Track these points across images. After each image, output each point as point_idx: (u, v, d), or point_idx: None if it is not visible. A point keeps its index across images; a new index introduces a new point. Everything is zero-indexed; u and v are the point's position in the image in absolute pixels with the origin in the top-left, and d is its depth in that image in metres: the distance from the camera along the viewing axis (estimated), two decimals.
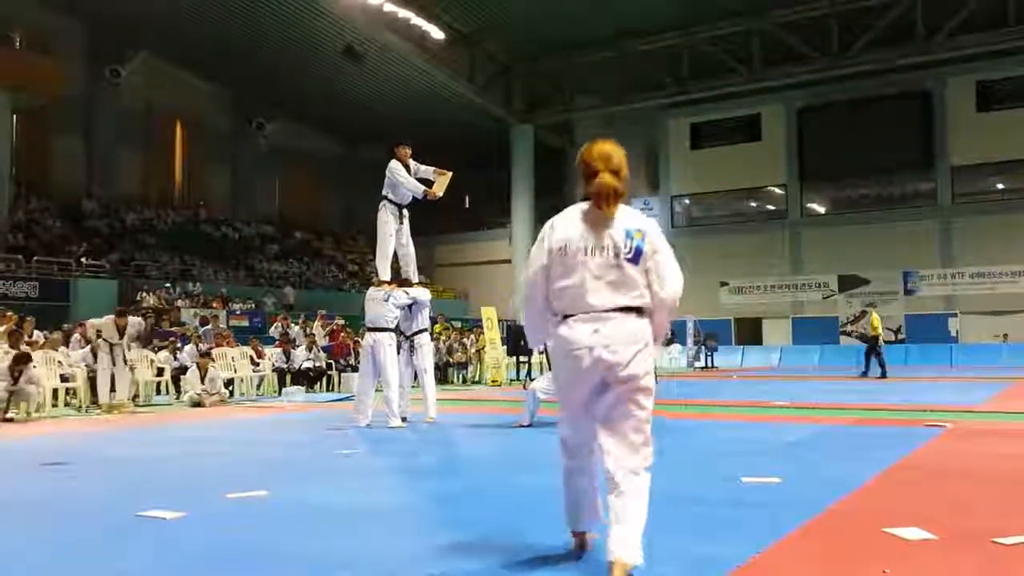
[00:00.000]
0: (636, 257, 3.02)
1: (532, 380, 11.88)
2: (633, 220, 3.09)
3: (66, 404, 12.68)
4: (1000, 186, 28.92)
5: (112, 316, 12.23)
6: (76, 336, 13.89)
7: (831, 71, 26.42)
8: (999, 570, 3.16)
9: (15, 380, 10.73)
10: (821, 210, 31.77)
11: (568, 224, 3.12)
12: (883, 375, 17.29)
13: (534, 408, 8.57)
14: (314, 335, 17.49)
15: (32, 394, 11.03)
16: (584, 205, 3.13)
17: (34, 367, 11.29)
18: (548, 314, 3.18)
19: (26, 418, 10.70)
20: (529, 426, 8.49)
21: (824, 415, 9.54)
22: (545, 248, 3.13)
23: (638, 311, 3.04)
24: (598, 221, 3.07)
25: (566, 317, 3.08)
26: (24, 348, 12.61)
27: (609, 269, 3.02)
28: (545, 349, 3.54)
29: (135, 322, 12.47)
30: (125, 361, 12.02)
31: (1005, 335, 26.82)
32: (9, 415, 10.76)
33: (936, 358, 25.19)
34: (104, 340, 11.92)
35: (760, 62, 26.72)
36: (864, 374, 17.85)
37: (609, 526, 2.95)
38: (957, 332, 27.86)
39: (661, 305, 3.07)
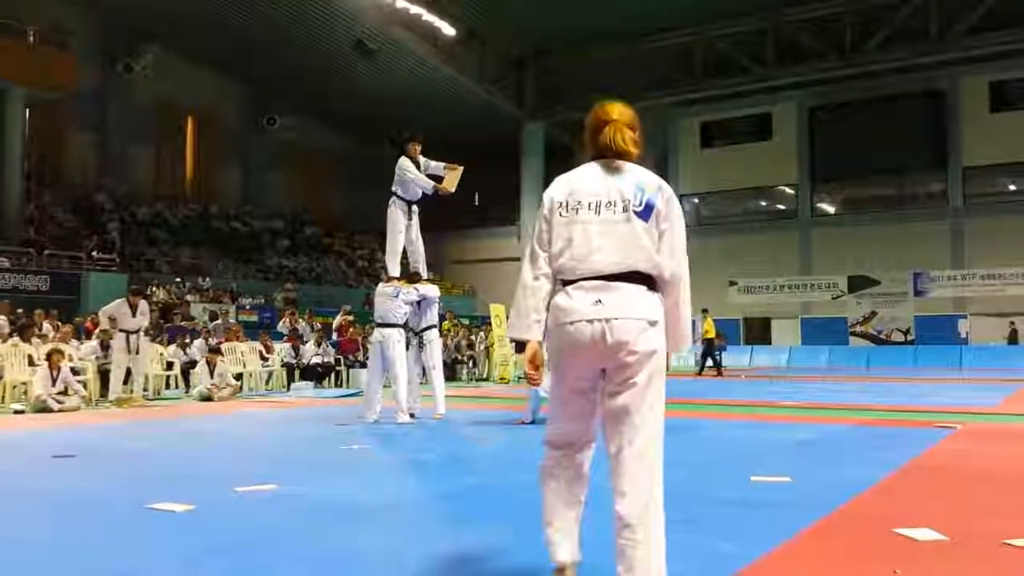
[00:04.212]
0: (647, 212, 2.67)
1: None
2: (646, 176, 2.75)
3: None
4: (1012, 187, 28.76)
5: (123, 299, 12.30)
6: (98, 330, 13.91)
7: (843, 70, 26.30)
8: (1010, 572, 3.15)
9: (53, 379, 10.80)
10: (831, 210, 31.66)
11: (573, 179, 2.80)
12: (714, 372, 19.96)
13: (536, 406, 8.57)
14: (322, 331, 17.52)
15: (79, 391, 11.25)
16: (590, 163, 2.83)
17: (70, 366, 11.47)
18: (544, 288, 2.75)
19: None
20: (532, 423, 8.50)
21: (833, 415, 9.51)
22: (549, 202, 2.78)
23: (649, 283, 2.67)
24: (607, 175, 2.75)
25: (565, 284, 2.70)
26: (35, 341, 12.70)
27: (616, 225, 2.67)
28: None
29: (145, 307, 12.53)
30: (138, 351, 12.09)
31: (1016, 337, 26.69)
32: (20, 407, 10.83)
33: (946, 360, 25.08)
34: (119, 331, 11.97)
35: (772, 60, 26.62)
36: (718, 372, 20.07)
37: (618, 569, 2.53)
38: (967, 333, 27.73)
39: (675, 279, 2.72)
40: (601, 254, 2.65)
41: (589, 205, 2.70)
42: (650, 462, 2.59)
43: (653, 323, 2.63)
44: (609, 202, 2.69)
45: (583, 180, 2.77)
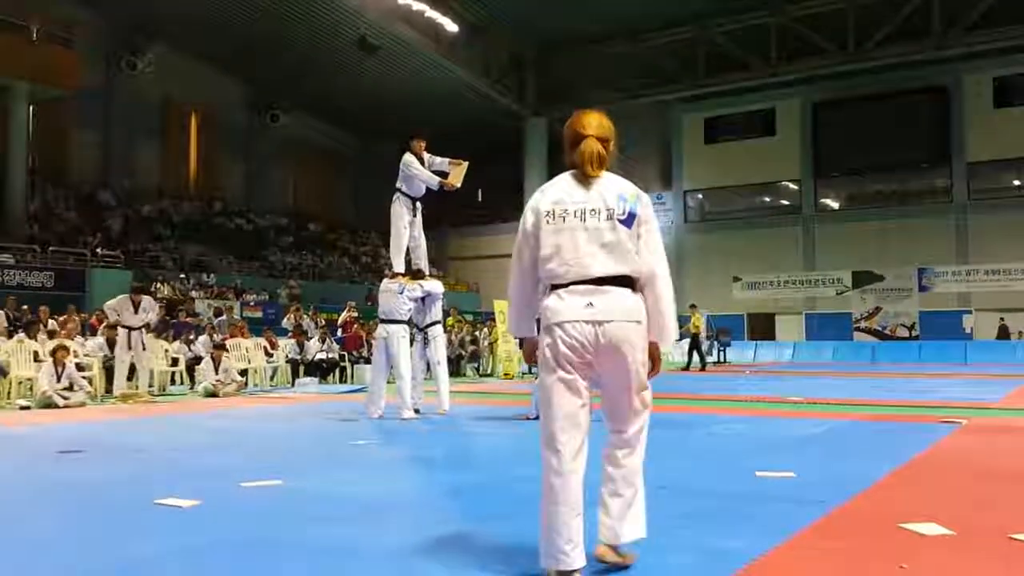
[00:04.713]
0: (629, 220, 2.91)
1: None
2: (625, 185, 3.00)
3: None
4: (1016, 183, 28.71)
5: (126, 295, 12.37)
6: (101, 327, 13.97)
7: (847, 66, 26.25)
8: (1017, 566, 3.15)
9: (58, 375, 10.82)
10: (835, 205, 31.63)
11: (559, 188, 3.01)
12: (703, 367, 20.13)
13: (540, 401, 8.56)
14: (326, 327, 17.53)
15: (84, 387, 11.28)
16: (571, 172, 3.04)
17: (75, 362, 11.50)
18: (537, 292, 3.02)
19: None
20: (536, 418, 8.50)
21: (837, 411, 9.50)
22: (535, 212, 2.98)
23: (632, 285, 2.92)
24: (588, 185, 2.96)
25: (555, 288, 2.92)
26: (41, 337, 12.73)
27: (602, 232, 2.89)
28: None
29: (149, 302, 12.55)
30: (144, 347, 12.12)
31: (1020, 332, 26.65)
32: (26, 403, 10.85)
33: (950, 355, 25.04)
34: (122, 327, 12.01)
35: (776, 56, 26.58)
36: (687, 368, 20.05)
37: (600, 515, 2.93)
38: (971, 329, 27.69)
39: (654, 280, 2.95)
40: (589, 259, 2.88)
41: (575, 213, 2.91)
42: (642, 442, 3.00)
43: (639, 322, 2.90)
44: (593, 210, 2.91)
45: (567, 190, 2.98)
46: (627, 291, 2.89)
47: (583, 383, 2.88)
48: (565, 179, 3.02)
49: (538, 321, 3.04)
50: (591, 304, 2.83)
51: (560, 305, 2.86)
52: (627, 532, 2.94)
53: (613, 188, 2.95)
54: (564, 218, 2.91)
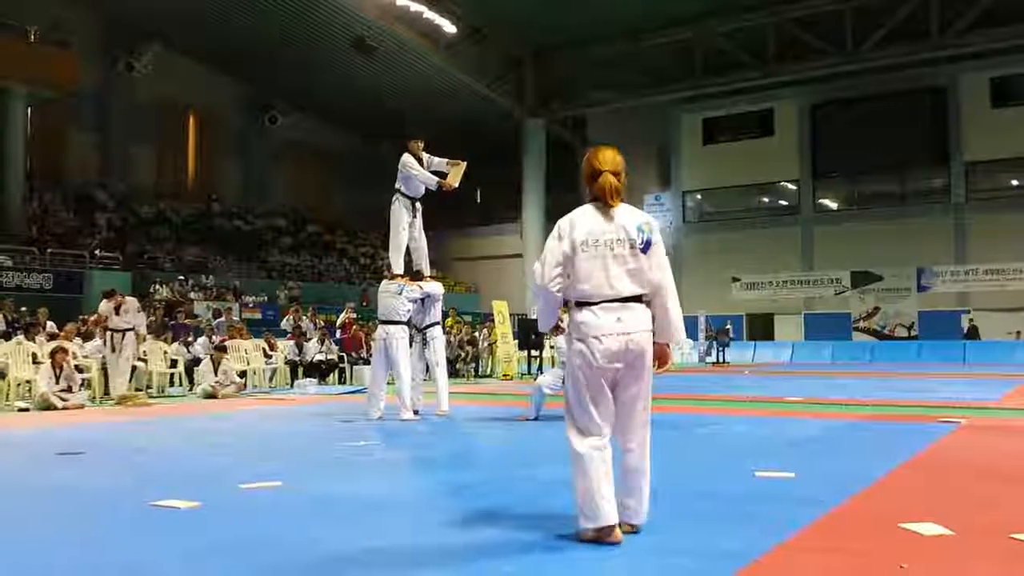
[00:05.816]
0: (647, 247, 3.46)
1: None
2: (640, 215, 3.55)
3: None
4: (1014, 182, 28.71)
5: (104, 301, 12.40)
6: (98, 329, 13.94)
7: (845, 66, 26.25)
8: (1017, 566, 3.15)
9: (57, 376, 10.80)
10: (834, 206, 31.64)
11: (588, 219, 3.51)
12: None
13: (540, 402, 8.58)
14: (325, 328, 17.52)
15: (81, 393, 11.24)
16: (592, 204, 3.54)
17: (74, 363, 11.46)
18: (560, 300, 3.57)
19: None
20: (536, 419, 8.51)
21: (837, 411, 9.51)
22: (569, 241, 3.48)
23: (645, 301, 3.50)
24: (609, 216, 3.49)
25: (584, 304, 3.46)
26: (40, 339, 12.71)
27: (626, 259, 3.44)
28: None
29: (131, 303, 12.54)
30: (122, 349, 12.10)
31: (1019, 332, 26.66)
32: (24, 405, 10.85)
33: (949, 355, 25.05)
34: (108, 329, 12.02)
35: (774, 57, 26.58)
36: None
37: (618, 495, 3.38)
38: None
39: (663, 291, 3.51)
40: (617, 282, 3.44)
41: (605, 243, 3.46)
42: (648, 430, 3.55)
43: (651, 330, 3.51)
44: (619, 240, 3.46)
45: (595, 221, 3.49)
46: (643, 306, 3.48)
47: (608, 384, 3.44)
48: (590, 211, 3.52)
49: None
50: (620, 319, 3.40)
51: (595, 320, 3.42)
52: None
53: (632, 220, 3.49)
54: (596, 247, 3.44)
